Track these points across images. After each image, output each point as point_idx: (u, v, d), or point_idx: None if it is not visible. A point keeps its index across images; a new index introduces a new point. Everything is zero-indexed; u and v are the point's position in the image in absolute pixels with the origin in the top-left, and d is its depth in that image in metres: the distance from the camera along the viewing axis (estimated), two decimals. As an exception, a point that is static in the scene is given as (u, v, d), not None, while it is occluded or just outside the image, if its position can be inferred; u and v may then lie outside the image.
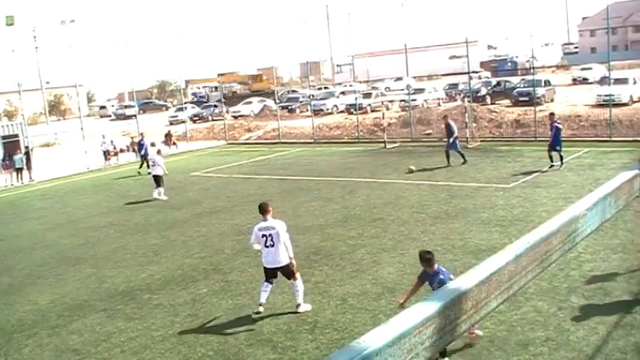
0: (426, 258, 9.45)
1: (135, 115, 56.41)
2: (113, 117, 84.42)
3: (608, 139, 29.87)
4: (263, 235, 11.81)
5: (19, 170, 36.32)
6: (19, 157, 36.40)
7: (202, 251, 17.04)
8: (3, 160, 38.40)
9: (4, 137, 40.94)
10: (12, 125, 45.66)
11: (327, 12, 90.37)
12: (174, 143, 44.21)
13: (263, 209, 12.12)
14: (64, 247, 19.76)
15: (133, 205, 24.76)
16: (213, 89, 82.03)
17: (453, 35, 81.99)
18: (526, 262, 2.84)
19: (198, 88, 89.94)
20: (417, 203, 20.03)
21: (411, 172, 25.33)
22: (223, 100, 53.87)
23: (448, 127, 26.20)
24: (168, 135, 45.36)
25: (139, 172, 33.89)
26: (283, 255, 11.81)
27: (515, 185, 21.31)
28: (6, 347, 11.92)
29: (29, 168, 36.92)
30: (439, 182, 23.04)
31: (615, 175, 4.10)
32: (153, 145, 42.93)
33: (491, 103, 43.87)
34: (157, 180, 25.36)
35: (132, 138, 39.72)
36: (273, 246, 11.74)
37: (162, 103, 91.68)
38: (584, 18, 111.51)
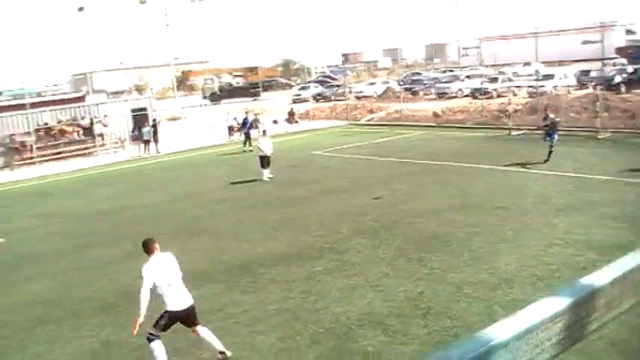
0: None
1: (259, 93, 57.48)
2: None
3: None
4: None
5: (147, 142, 38.03)
6: (146, 130, 38.12)
7: (319, 230, 17.18)
8: (132, 132, 40.32)
9: (133, 110, 43.00)
10: (141, 99, 47.84)
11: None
12: (296, 121, 44.82)
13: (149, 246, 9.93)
14: (186, 218, 20.47)
15: (253, 182, 25.25)
16: (209, 81, 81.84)
17: (588, 18, 78.35)
18: (666, 261, 2.64)
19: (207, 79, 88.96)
20: (541, 193, 19.33)
21: (547, 161, 23.88)
22: (219, 92, 53.43)
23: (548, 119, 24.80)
24: (291, 113, 46.05)
25: (244, 150, 34.76)
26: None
27: (648, 180, 20.17)
28: (129, 310, 12.42)
29: (156, 141, 38.55)
30: (565, 173, 22.12)
31: None
32: (275, 122, 43.80)
33: (626, 92, 41.69)
34: (263, 160, 25.29)
35: (255, 115, 40.54)
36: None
37: (286, 81, 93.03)
38: None
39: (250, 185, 24.77)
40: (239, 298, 12.60)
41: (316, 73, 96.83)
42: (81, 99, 54.52)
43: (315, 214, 19.06)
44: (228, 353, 9.82)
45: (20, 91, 64.35)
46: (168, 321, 9.45)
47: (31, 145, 37.96)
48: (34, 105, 42.77)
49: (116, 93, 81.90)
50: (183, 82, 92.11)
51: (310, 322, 11.02)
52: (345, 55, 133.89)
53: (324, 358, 9.70)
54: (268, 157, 25.19)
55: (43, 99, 53.92)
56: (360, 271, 13.47)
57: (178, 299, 9.45)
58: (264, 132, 27.17)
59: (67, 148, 39.45)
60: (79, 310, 12.94)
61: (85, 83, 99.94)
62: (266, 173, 25.28)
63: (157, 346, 9.40)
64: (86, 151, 39.85)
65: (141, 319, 9.27)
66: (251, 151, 32.51)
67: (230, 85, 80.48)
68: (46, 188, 29.95)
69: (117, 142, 41.48)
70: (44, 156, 38.21)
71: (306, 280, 13.23)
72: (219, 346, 9.77)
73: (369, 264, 13.85)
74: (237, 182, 25.57)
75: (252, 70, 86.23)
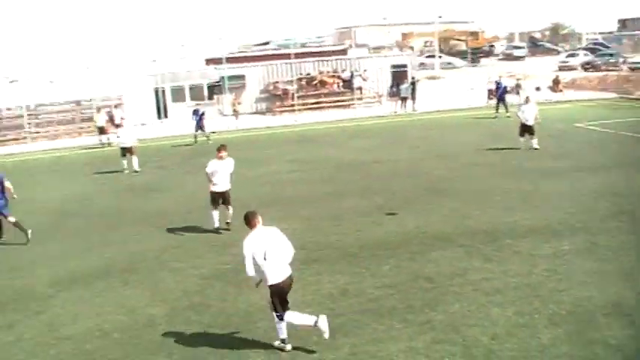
0: None
1: (523, 57, 55.17)
2: (501, 57, 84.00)
3: None
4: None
5: (404, 99, 38.65)
6: (404, 87, 38.75)
7: (572, 207, 16.27)
8: (390, 88, 41.15)
9: (393, 67, 43.76)
10: (402, 56, 48.40)
11: None
12: (560, 90, 42.69)
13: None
14: (435, 178, 20.52)
15: (508, 150, 24.42)
16: (429, 44, 77.67)
17: None
18: None
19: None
20: None
21: None
22: (440, 55, 50.31)
23: None
24: (555, 81, 43.95)
25: (495, 116, 34.10)
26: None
27: None
28: (368, 261, 12.82)
29: (413, 98, 38.98)
30: None
31: None
32: (538, 89, 42.14)
33: None
34: (525, 129, 24.02)
35: (517, 80, 39.22)
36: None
37: (552, 47, 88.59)
38: None
39: (504, 152, 24.09)
40: (480, 266, 12.40)
41: (587, 39, 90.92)
42: (343, 52, 56.58)
43: (569, 189, 18.12)
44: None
45: (286, 41, 68.07)
46: (276, 297, 9.27)
47: (293, 94, 40.26)
48: (298, 55, 45.16)
49: (377, 48, 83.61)
50: (446, 42, 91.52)
51: (551, 302, 10.56)
52: (622, 21, 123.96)
53: (561, 342, 9.24)
54: (530, 126, 23.96)
55: (307, 50, 56.69)
56: (612, 256, 12.58)
57: (277, 272, 9.20)
58: (526, 99, 25.54)
59: (326, 99, 41.35)
60: (321, 255, 13.54)
61: (348, 37, 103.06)
62: (530, 143, 24.00)
63: (292, 317, 9.33)
64: (344, 103, 41.43)
65: (256, 282, 9.43)
66: (509, 117, 31.58)
67: (451, 48, 79.31)
68: (305, 136, 31.67)
69: (374, 97, 42.53)
70: (304, 104, 40.43)
71: (552, 258, 12.67)
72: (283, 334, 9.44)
73: (623, 250, 12.89)
74: (491, 148, 25.00)
75: (474, 34, 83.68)
